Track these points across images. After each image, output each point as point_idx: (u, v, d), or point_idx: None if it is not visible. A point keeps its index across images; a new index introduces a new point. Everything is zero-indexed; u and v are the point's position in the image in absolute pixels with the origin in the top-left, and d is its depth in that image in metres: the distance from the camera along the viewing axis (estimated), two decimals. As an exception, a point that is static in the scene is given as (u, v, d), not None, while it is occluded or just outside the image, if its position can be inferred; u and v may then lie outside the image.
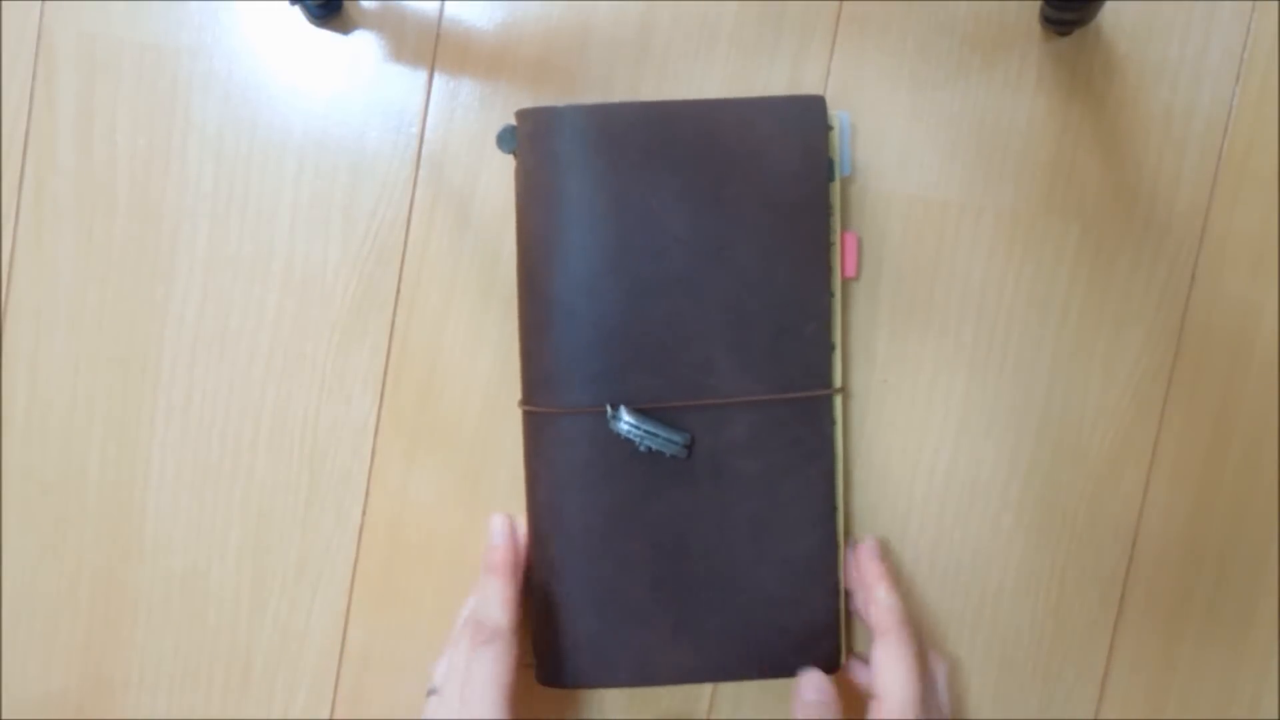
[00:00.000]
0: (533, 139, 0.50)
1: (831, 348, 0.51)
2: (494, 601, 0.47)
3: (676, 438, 0.49)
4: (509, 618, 0.47)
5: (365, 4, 0.55)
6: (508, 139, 0.51)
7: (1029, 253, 0.54)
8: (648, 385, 0.49)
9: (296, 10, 0.54)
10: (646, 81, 0.54)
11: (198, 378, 0.56)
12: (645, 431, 0.48)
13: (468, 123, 0.55)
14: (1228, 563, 0.55)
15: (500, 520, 0.51)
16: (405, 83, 0.55)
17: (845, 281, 0.52)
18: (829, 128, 0.51)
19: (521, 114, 0.50)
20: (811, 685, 0.48)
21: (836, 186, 0.51)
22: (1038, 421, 0.55)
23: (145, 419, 0.56)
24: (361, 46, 0.55)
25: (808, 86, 0.54)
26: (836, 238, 0.51)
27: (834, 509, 0.51)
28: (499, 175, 0.55)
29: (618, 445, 0.49)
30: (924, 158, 0.54)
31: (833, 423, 0.51)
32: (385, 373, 0.55)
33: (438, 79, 0.55)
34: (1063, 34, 0.53)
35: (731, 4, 0.54)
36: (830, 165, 0.50)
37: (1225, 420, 0.55)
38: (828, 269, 0.50)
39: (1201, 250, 0.54)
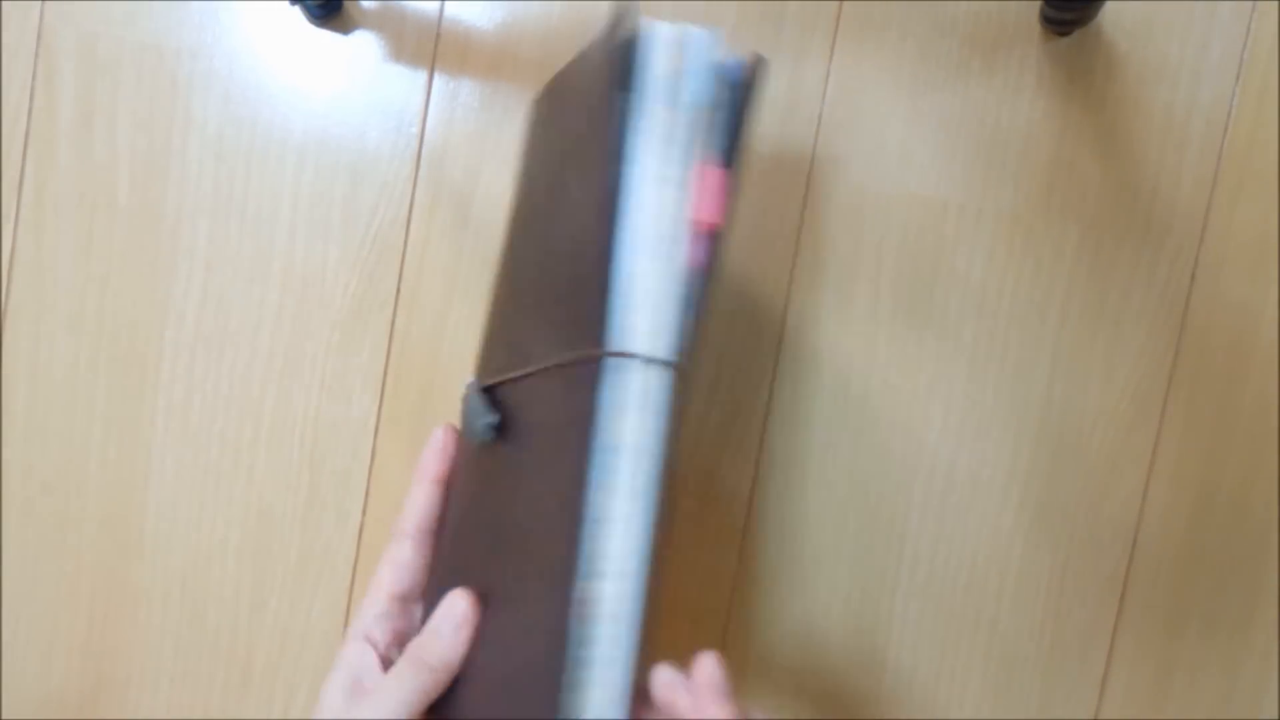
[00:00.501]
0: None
1: (608, 304, 0.35)
2: (405, 508, 0.45)
3: (487, 418, 0.38)
4: (410, 525, 0.44)
5: (365, 4, 0.55)
6: None
7: (1029, 253, 0.54)
8: (498, 359, 0.41)
9: (296, 10, 0.54)
10: (646, 81, 0.54)
11: (198, 378, 0.56)
12: (463, 412, 0.40)
13: (468, 123, 0.55)
14: (1228, 563, 0.55)
15: (440, 431, 0.45)
16: (405, 83, 0.55)
17: (712, 231, 0.36)
18: (629, 37, 0.35)
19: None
20: None
21: (657, 111, 0.36)
22: (1038, 422, 0.54)
23: (145, 419, 0.56)
24: (361, 46, 0.55)
25: (808, 86, 0.54)
26: (629, 171, 0.36)
27: (574, 555, 0.33)
28: (499, 175, 0.55)
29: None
30: (924, 158, 0.54)
31: (595, 406, 0.34)
32: (385, 373, 0.55)
33: (438, 79, 0.55)
34: (1063, 34, 0.53)
35: (731, 4, 0.54)
36: (631, 78, 0.35)
37: (1225, 420, 0.55)
38: (614, 209, 0.35)
39: (1201, 250, 0.54)
